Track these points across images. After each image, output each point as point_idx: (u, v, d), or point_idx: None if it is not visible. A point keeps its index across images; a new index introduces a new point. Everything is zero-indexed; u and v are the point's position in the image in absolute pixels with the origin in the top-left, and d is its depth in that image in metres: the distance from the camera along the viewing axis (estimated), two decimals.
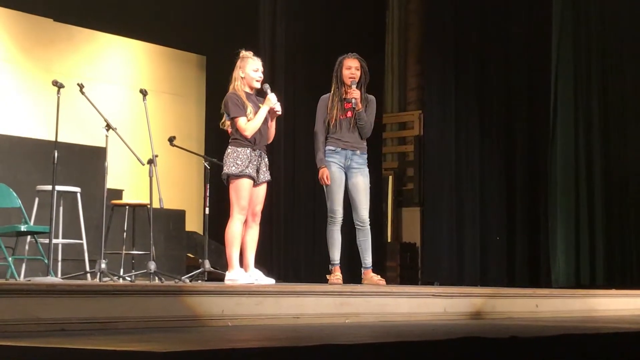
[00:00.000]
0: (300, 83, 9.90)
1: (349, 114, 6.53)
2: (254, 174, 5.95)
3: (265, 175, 6.06)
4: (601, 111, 9.46)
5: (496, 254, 10.32)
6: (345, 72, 6.55)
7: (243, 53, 6.11)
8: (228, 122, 6.02)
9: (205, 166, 6.96)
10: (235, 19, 11.07)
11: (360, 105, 6.49)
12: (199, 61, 12.01)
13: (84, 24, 10.76)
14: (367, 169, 6.63)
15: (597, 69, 9.51)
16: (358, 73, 6.54)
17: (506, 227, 10.29)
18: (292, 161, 9.97)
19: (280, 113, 6.09)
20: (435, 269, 10.75)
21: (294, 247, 9.96)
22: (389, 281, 6.77)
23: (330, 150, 6.54)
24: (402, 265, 11.16)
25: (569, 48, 9.46)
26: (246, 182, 5.92)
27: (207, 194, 6.89)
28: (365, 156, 6.63)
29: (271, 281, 6.07)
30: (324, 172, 6.52)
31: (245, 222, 6.02)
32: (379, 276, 6.63)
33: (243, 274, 5.91)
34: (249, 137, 5.92)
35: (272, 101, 6.00)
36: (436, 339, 3.54)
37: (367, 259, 6.59)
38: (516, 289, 7.25)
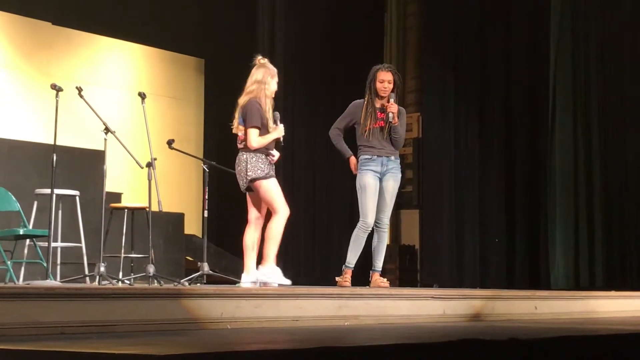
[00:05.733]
0: (299, 86, 9.91)
1: (382, 123, 6.56)
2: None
3: None
4: (600, 114, 9.46)
5: (495, 256, 10.32)
6: (378, 85, 6.55)
7: (268, 64, 6.17)
8: (242, 127, 6.07)
9: (204, 169, 6.96)
10: (233, 23, 11.08)
11: (396, 119, 6.50)
12: (197, 64, 12.02)
13: (83, 28, 10.77)
14: (400, 174, 6.68)
15: (595, 72, 9.51)
16: (390, 86, 6.55)
17: (505, 229, 10.29)
18: (291, 165, 9.97)
19: (282, 144, 6.25)
20: (435, 271, 10.76)
21: (293, 250, 9.96)
22: None
23: (366, 158, 6.55)
24: (401, 268, 11.14)
25: (568, 51, 9.47)
26: (275, 181, 6.10)
27: (206, 197, 6.90)
28: (399, 161, 6.68)
29: (287, 282, 6.14)
30: (352, 160, 6.60)
31: (253, 225, 6.16)
32: (384, 279, 6.68)
33: (278, 272, 6.03)
34: (254, 148, 6.01)
35: (282, 133, 6.16)
36: (435, 341, 3.54)
37: (378, 262, 6.65)
38: (515, 291, 7.23)
